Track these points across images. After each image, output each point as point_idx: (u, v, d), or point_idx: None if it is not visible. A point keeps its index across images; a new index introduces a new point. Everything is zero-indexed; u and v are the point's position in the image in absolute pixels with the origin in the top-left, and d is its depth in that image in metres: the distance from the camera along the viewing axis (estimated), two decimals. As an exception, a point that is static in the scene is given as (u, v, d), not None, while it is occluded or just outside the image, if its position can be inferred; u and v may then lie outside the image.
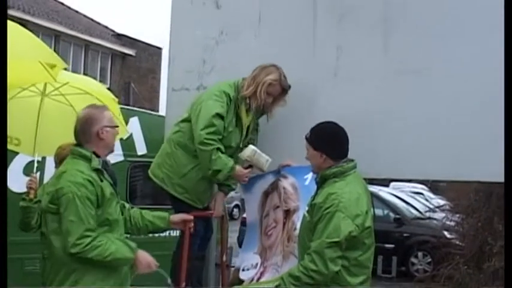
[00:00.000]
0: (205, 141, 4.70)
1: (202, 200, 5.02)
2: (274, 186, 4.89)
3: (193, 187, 4.92)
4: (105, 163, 4.11)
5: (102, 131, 4.04)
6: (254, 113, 4.98)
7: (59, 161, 4.98)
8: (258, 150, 4.87)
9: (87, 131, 4.03)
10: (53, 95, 5.68)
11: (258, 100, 4.87)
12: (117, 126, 4.31)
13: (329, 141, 4.00)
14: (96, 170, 3.95)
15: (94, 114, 4.09)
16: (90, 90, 5.66)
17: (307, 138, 4.06)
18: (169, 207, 5.07)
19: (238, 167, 4.78)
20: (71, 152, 4.08)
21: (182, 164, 4.91)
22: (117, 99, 5.95)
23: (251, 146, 4.90)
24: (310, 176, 4.48)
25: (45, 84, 5.50)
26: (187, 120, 4.91)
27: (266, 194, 4.94)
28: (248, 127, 5.02)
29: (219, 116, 4.75)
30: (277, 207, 4.83)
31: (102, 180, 3.95)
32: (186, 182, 4.92)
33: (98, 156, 4.02)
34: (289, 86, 4.92)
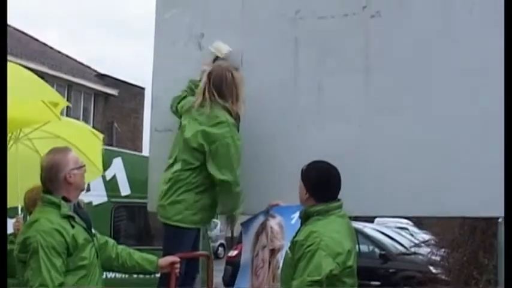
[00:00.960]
0: (238, 181, 4.88)
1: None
2: (263, 226, 4.89)
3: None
4: (78, 205, 4.06)
5: (69, 175, 3.97)
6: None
7: (30, 204, 4.94)
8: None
9: (54, 178, 3.95)
10: (24, 140, 5.63)
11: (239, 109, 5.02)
12: (84, 166, 4.18)
13: (316, 183, 3.97)
14: (67, 217, 3.89)
15: (58, 159, 4.00)
16: (63, 133, 5.60)
17: (302, 170, 4.07)
18: (153, 248, 5.03)
19: None
20: (40, 199, 4.02)
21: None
22: (101, 136, 5.91)
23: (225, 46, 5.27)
24: (297, 215, 4.48)
25: (19, 129, 5.44)
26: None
27: (257, 235, 4.94)
28: None
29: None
30: (265, 247, 4.83)
31: (73, 226, 3.88)
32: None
33: (68, 200, 3.96)
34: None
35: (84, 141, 5.66)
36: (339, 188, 3.98)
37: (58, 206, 3.90)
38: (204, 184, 4.94)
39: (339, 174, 3.99)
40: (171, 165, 4.99)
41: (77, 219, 3.96)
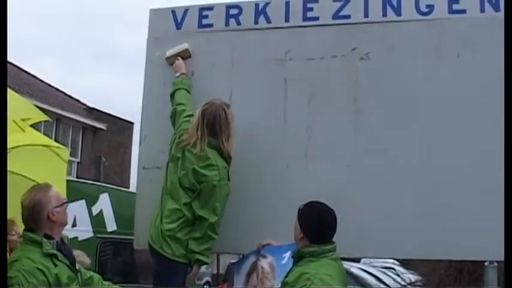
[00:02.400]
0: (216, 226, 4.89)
1: None
2: (254, 266, 4.85)
3: None
4: (61, 241, 4.00)
5: (52, 213, 3.92)
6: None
7: None
8: None
9: (36, 217, 3.90)
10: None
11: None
12: (66, 202, 4.13)
13: (311, 223, 3.94)
14: (50, 255, 3.83)
15: (40, 198, 3.94)
16: (15, 169, 5.00)
17: (298, 210, 4.04)
18: (139, 285, 4.99)
19: None
20: (22, 237, 3.96)
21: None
22: (66, 150, 5.59)
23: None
24: (288, 254, 4.46)
25: None
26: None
27: (248, 275, 4.89)
28: None
29: None
30: (255, 287, 4.79)
31: (56, 265, 3.82)
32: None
33: (51, 238, 3.90)
34: None
35: (42, 169, 5.18)
36: (334, 231, 3.95)
37: (40, 244, 3.82)
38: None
39: (335, 217, 3.96)
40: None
41: (60, 257, 3.89)
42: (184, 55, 5.54)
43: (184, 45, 5.55)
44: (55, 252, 3.88)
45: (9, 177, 4.35)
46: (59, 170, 5.43)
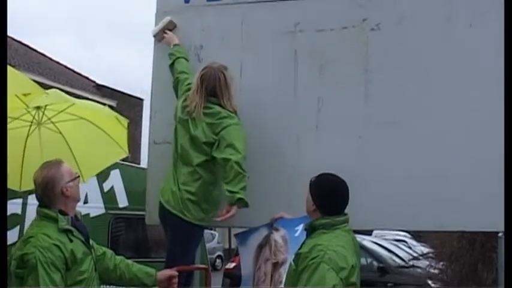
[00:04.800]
0: (241, 161, 4.78)
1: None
2: (267, 239, 4.85)
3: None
4: (75, 217, 4.03)
5: (66, 188, 3.96)
6: None
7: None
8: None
9: (50, 194, 3.93)
10: (47, 124, 5.56)
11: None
12: (78, 176, 4.17)
13: (324, 195, 3.93)
14: (65, 231, 3.86)
15: (52, 175, 3.97)
16: (87, 115, 5.55)
17: (310, 182, 4.03)
18: (151, 259, 4.99)
19: None
20: (37, 213, 3.98)
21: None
22: (126, 122, 5.74)
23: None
24: (301, 227, 4.46)
25: (42, 113, 5.42)
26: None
27: (260, 247, 4.89)
28: None
29: None
30: (268, 260, 4.79)
31: (71, 240, 3.86)
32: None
33: (66, 214, 3.93)
34: None
35: (107, 122, 5.61)
36: (347, 203, 3.94)
37: (55, 220, 3.86)
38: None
39: (347, 188, 3.94)
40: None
41: (75, 232, 3.93)
42: (171, 27, 5.61)
43: (167, 18, 5.60)
44: (70, 228, 3.91)
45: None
46: (120, 129, 5.72)
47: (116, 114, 5.74)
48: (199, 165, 4.93)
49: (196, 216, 4.92)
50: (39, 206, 3.99)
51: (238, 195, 4.71)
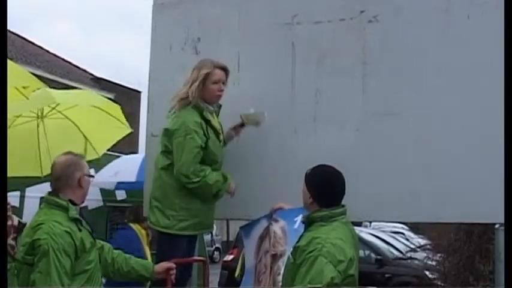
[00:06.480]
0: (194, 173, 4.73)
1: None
2: (267, 231, 4.85)
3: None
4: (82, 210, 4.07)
5: (83, 179, 4.01)
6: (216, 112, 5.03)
7: None
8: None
9: (70, 176, 3.96)
10: (50, 114, 5.97)
11: (209, 93, 4.89)
12: (93, 176, 4.28)
13: (320, 187, 3.91)
14: (74, 220, 3.88)
15: (75, 159, 4.04)
16: (82, 100, 6.02)
17: (306, 174, 4.03)
18: (150, 252, 4.98)
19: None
20: (45, 201, 4.00)
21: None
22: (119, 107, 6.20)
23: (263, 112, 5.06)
24: (299, 218, 4.45)
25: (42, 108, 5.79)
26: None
27: (261, 239, 4.89)
28: (221, 129, 5.04)
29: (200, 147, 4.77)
30: (267, 252, 4.79)
31: (80, 230, 3.88)
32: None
33: (74, 204, 3.96)
34: (225, 66, 4.97)
35: (104, 104, 6.07)
36: (343, 194, 3.92)
37: (65, 209, 3.89)
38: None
39: (343, 180, 3.93)
40: None
41: (83, 222, 3.97)
42: (262, 120, 5.15)
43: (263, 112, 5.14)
44: (79, 217, 3.94)
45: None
46: (117, 109, 6.26)
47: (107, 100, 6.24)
48: (163, 169, 4.90)
49: (160, 223, 4.86)
50: (49, 193, 4.01)
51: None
